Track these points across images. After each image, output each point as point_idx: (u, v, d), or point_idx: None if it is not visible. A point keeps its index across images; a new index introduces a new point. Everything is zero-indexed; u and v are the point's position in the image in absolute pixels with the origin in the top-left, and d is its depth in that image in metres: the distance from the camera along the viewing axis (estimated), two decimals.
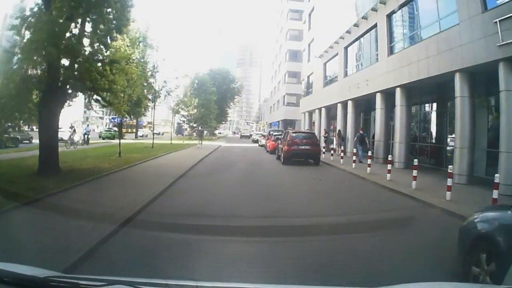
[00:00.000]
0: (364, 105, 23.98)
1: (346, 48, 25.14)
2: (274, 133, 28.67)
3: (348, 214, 7.79)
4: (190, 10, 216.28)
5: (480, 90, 12.78)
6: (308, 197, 10.09)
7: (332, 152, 20.50)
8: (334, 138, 25.55)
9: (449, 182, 9.16)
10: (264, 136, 36.12)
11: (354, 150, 16.95)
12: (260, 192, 10.25)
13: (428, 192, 9.97)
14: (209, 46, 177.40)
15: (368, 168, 14.29)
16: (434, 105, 17.47)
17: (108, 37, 11.71)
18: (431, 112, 17.71)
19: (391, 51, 17.80)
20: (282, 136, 21.05)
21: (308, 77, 38.57)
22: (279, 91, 63.15)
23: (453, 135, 16.06)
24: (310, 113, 36.76)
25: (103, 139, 38.97)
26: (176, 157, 19.89)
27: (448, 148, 15.81)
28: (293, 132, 19.86)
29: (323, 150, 21.43)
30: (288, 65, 55.89)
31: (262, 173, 14.81)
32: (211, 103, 54.55)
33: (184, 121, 55.46)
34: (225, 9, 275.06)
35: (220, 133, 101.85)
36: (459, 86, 12.30)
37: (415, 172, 10.69)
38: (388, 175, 12.39)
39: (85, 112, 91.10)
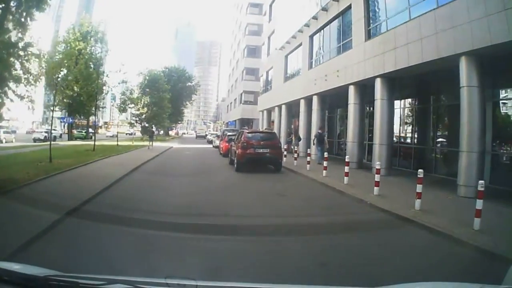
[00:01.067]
0: (331, 100, 21.21)
1: (311, 36, 22.23)
2: (229, 133, 25.15)
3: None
4: (148, 8, 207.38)
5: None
6: (270, 235, 6.08)
7: (295, 155, 17.41)
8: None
9: (479, 204, 6.17)
10: (218, 136, 32.48)
11: (326, 155, 13.77)
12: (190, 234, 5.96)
13: (441, 216, 6.98)
14: (167, 44, 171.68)
15: (346, 178, 11.15)
16: (417, 99, 14.95)
17: (28, 18, 9.26)
18: (415, 108, 15.14)
19: (369, 35, 14.84)
20: (236, 137, 17.56)
21: (267, 72, 35.57)
22: (237, 89, 60.45)
23: (436, 134, 13.74)
24: (269, 111, 33.76)
25: (75, 139, 39.73)
26: (111, 162, 16.04)
27: (437, 149, 13.29)
28: (248, 132, 16.19)
29: (285, 153, 18.41)
30: (246, 61, 53.00)
31: (207, 188, 10.98)
32: (164, 101, 51.05)
33: (136, 120, 51.02)
34: (184, 6, 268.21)
35: (184, 133, 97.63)
36: (466, 74, 9.49)
37: (419, 188, 7.64)
38: (376, 188, 9.34)
39: (44, 112, 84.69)
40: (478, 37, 9.01)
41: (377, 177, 9.37)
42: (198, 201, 8.71)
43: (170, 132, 77.69)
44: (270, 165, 15.13)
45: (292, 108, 26.82)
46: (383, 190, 9.44)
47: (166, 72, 62.11)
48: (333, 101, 21.45)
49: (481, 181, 6.43)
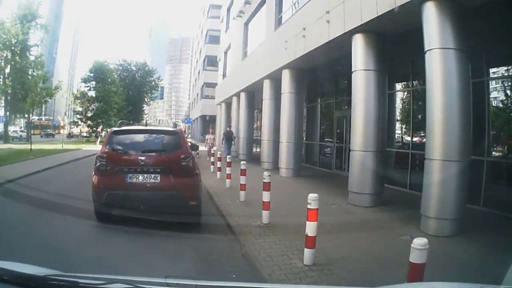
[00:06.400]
0: (313, 81, 13.05)
1: None
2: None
3: None
4: (122, 7, 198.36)
5: None
6: None
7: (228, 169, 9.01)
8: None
9: None
10: None
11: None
12: None
13: None
14: (141, 43, 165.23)
15: None
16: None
17: None
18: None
19: None
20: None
21: (225, 53, 27.05)
22: (199, 81, 51.70)
23: None
24: (228, 103, 25.04)
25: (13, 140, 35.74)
26: None
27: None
28: (116, 132, 6.34)
29: (228, 170, 10.01)
30: (208, 48, 44.16)
31: None
32: (110, 95, 42.85)
33: (80, 118, 44.48)
34: (159, 4, 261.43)
35: None
36: None
37: None
38: None
39: None
40: None
41: None
42: None
43: None
44: (170, 210, 6.13)
45: (255, 96, 18.49)
46: None
47: (124, 66, 56.59)
48: (315, 81, 13.32)
49: None
